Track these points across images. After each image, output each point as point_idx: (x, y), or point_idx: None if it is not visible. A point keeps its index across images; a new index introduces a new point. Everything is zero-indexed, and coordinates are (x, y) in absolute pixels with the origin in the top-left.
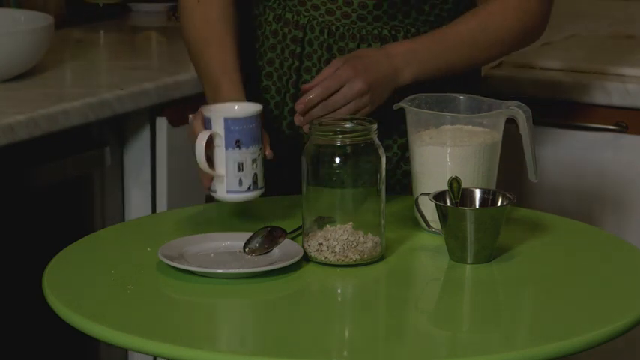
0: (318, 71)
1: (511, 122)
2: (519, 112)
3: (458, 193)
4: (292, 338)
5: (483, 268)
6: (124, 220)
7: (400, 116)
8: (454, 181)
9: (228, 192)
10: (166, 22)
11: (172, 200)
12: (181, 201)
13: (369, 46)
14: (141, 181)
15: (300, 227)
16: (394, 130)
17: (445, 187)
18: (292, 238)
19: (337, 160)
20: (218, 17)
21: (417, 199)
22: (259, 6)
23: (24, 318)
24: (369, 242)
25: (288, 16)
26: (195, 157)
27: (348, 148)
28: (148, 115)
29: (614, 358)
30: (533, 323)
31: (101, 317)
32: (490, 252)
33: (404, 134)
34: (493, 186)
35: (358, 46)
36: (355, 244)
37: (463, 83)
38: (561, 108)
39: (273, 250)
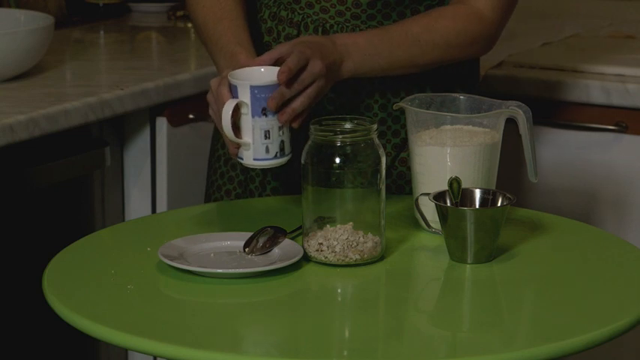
0: None
1: (511, 122)
2: (519, 112)
3: (458, 193)
4: (292, 338)
5: (483, 268)
6: (124, 220)
7: (393, 116)
8: (454, 181)
9: (255, 159)
10: (166, 22)
11: (172, 200)
12: (181, 201)
13: None
14: (141, 181)
15: (300, 227)
16: (387, 130)
17: (445, 187)
18: (292, 238)
19: (337, 160)
20: None
21: (417, 199)
22: (256, 3)
23: (24, 318)
24: (369, 242)
25: (283, 13)
26: (221, 125)
27: (348, 148)
28: (148, 115)
29: (605, 357)
30: (533, 323)
31: (101, 317)
32: (490, 252)
33: (397, 134)
34: (493, 186)
35: None
36: (355, 244)
37: (463, 83)
38: (561, 108)
39: (273, 250)
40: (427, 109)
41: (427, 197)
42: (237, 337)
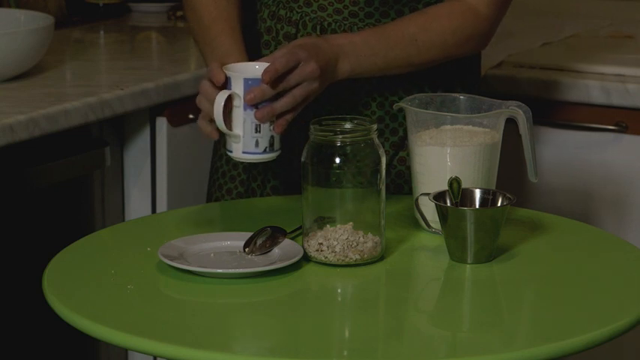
0: None
1: (511, 122)
2: (519, 112)
3: (458, 193)
4: (292, 338)
5: (483, 268)
6: (124, 220)
7: (391, 114)
8: (454, 181)
9: (244, 152)
10: (166, 22)
11: (172, 200)
12: (181, 201)
13: None
14: (141, 181)
15: (300, 227)
16: (385, 128)
17: (445, 187)
18: (292, 238)
19: (337, 160)
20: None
21: (417, 199)
22: (256, 3)
23: (24, 318)
24: (369, 242)
25: (282, 12)
26: (213, 116)
27: (348, 148)
28: (148, 115)
29: (605, 357)
30: (533, 323)
31: (101, 317)
32: (490, 252)
33: (395, 132)
34: (493, 186)
35: None
36: (355, 244)
37: (463, 83)
38: (561, 108)
39: (273, 250)
40: (427, 109)
41: (427, 197)
42: (238, 337)
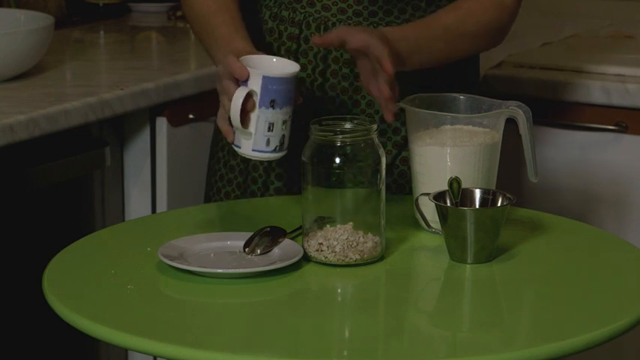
0: (314, 69)
1: (511, 122)
2: (519, 112)
3: (458, 193)
4: (292, 338)
5: (483, 268)
6: (124, 220)
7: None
8: (454, 181)
9: (253, 150)
10: (166, 22)
11: (172, 200)
12: (181, 201)
13: None
14: (141, 181)
15: (300, 227)
16: (387, 127)
17: (445, 187)
18: (292, 238)
19: (337, 160)
20: None
21: (417, 199)
22: (255, 5)
23: (24, 318)
24: (369, 242)
25: (284, 13)
26: (229, 110)
27: (348, 148)
28: (148, 115)
29: (605, 357)
30: (533, 323)
31: (101, 317)
32: (490, 252)
33: (398, 132)
34: (493, 186)
35: None
36: (355, 244)
37: (463, 83)
38: (561, 108)
39: (273, 250)
40: (427, 109)
41: (427, 197)
42: (237, 337)
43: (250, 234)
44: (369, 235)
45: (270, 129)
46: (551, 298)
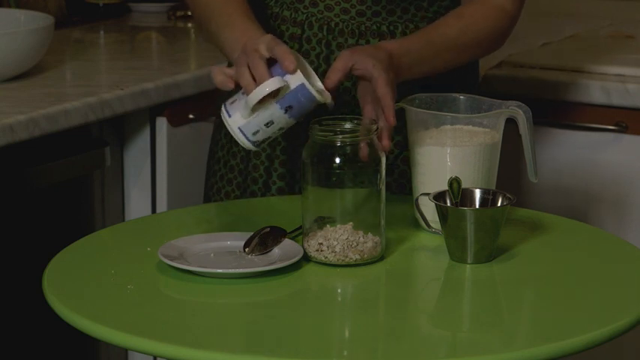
0: (316, 69)
1: (511, 122)
2: (519, 112)
3: (458, 193)
4: (292, 338)
5: (483, 268)
6: (124, 220)
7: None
8: (454, 181)
9: (238, 128)
10: (166, 22)
11: (172, 200)
12: (181, 201)
13: (368, 42)
14: (141, 181)
15: (300, 227)
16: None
17: (445, 187)
18: (292, 238)
19: (337, 160)
20: None
21: (417, 199)
22: (256, 4)
23: (24, 318)
24: (369, 242)
25: (286, 13)
26: (247, 85)
27: (348, 148)
28: (148, 115)
29: (605, 357)
30: (533, 323)
31: (101, 317)
32: (490, 252)
33: (400, 131)
34: (493, 186)
35: (357, 42)
36: (355, 244)
37: (462, 84)
38: (561, 108)
39: (273, 250)
40: (427, 109)
41: (427, 197)
42: (237, 337)
43: (250, 234)
44: (369, 235)
45: (267, 125)
46: (551, 298)
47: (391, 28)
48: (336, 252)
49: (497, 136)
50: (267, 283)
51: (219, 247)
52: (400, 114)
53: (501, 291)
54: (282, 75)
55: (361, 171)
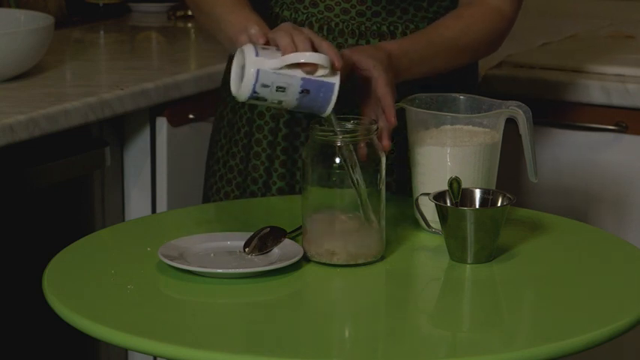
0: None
1: (511, 122)
2: (519, 112)
3: (458, 193)
4: (292, 338)
5: (483, 268)
6: (124, 220)
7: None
8: (454, 181)
9: (258, 69)
10: (166, 22)
11: (172, 200)
12: (181, 201)
13: (368, 42)
14: (141, 181)
15: (300, 227)
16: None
17: (445, 187)
18: (292, 238)
19: (337, 160)
20: None
21: (417, 199)
22: (256, 4)
23: (24, 318)
24: (369, 242)
25: (286, 14)
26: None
27: (348, 148)
28: (148, 115)
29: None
30: (533, 323)
31: (101, 317)
32: (490, 252)
33: (400, 131)
34: (493, 186)
35: (357, 42)
36: (355, 244)
37: (461, 84)
38: (561, 108)
39: (273, 250)
40: (427, 109)
41: (427, 197)
42: (237, 337)
43: (250, 234)
44: (369, 234)
45: (278, 89)
46: (551, 298)
47: (391, 28)
48: (336, 252)
49: (497, 136)
50: (267, 283)
51: (219, 247)
52: (400, 114)
53: (501, 291)
54: (327, 64)
55: (361, 171)
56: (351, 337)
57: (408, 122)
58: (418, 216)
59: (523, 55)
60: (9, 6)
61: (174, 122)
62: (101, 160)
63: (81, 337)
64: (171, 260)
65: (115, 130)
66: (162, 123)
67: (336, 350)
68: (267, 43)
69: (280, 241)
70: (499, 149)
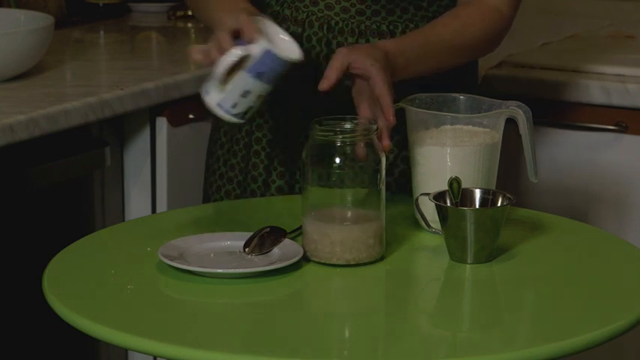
0: (316, 67)
1: (511, 122)
2: (519, 112)
3: (458, 193)
4: (292, 338)
5: (483, 268)
6: (124, 220)
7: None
8: (454, 181)
9: (217, 104)
10: (166, 22)
11: (172, 200)
12: (181, 201)
13: (367, 41)
14: (141, 181)
15: (300, 227)
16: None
17: (445, 187)
18: (292, 238)
19: (337, 160)
20: None
21: (417, 199)
22: (256, 3)
23: (24, 318)
24: (368, 242)
25: (287, 12)
26: (214, 59)
27: (348, 148)
28: (148, 115)
29: (605, 357)
30: (533, 323)
31: (101, 317)
32: (490, 252)
33: (399, 131)
34: (493, 186)
35: (357, 41)
36: (355, 244)
37: (462, 83)
38: (561, 108)
39: (273, 250)
40: (427, 109)
41: (427, 197)
42: (237, 337)
43: (250, 234)
44: (369, 235)
45: (244, 95)
46: (551, 298)
47: (391, 27)
48: (336, 252)
49: (497, 136)
50: (267, 283)
51: (219, 247)
52: (400, 114)
53: (501, 291)
54: (245, 44)
55: (361, 171)
56: (351, 337)
57: (408, 122)
58: (418, 216)
59: (523, 55)
60: (9, 6)
61: (174, 122)
62: (101, 160)
63: (81, 337)
64: (171, 260)
65: (115, 130)
66: (162, 123)
67: (336, 350)
68: (239, 33)
69: (280, 241)
70: (499, 149)
